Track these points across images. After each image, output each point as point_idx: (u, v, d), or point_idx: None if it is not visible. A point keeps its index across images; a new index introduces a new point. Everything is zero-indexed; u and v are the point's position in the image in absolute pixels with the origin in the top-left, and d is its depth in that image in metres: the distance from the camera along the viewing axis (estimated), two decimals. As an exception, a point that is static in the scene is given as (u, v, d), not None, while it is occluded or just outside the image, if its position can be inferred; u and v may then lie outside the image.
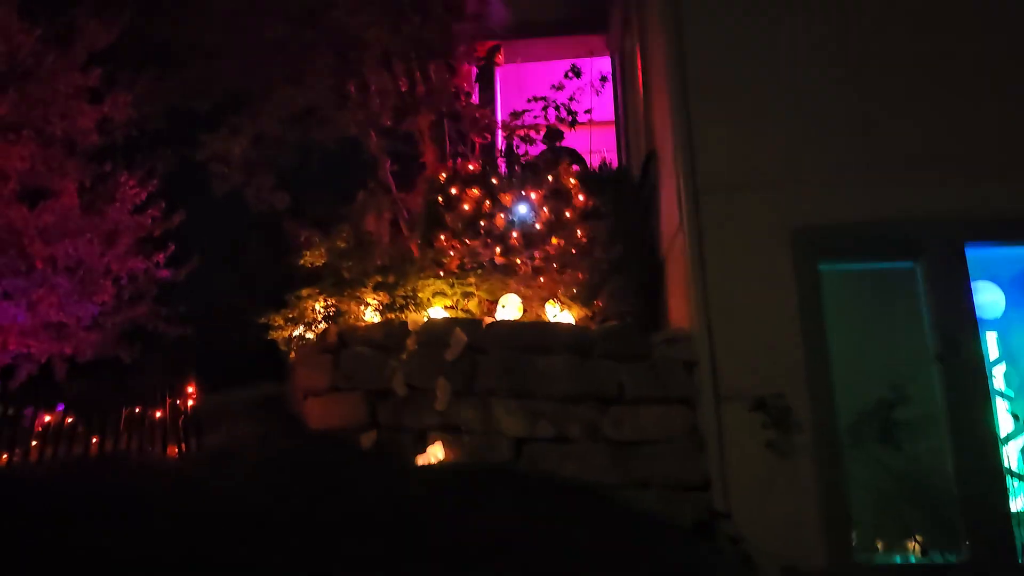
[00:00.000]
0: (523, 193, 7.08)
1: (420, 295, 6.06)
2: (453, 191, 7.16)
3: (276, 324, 7.13)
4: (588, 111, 9.58)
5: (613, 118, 10.76)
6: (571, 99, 9.46)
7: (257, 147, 9.21)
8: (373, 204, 9.34)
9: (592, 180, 7.20)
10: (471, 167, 7.50)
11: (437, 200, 7.24)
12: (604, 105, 10.53)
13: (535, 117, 9.59)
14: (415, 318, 6.03)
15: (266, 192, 10.31)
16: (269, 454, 5.66)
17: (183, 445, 5.87)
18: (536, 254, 6.86)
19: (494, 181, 7.19)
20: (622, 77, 9.69)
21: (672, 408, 5.57)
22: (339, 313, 6.33)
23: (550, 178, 7.14)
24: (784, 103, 5.86)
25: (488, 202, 7.08)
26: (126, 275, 13.95)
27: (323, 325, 6.98)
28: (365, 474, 5.31)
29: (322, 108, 8.90)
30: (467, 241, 6.96)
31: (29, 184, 12.28)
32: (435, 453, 5.42)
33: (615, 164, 9.77)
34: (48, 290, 13.27)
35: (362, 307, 6.28)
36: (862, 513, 5.28)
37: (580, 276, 6.37)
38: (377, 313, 6.22)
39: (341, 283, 6.32)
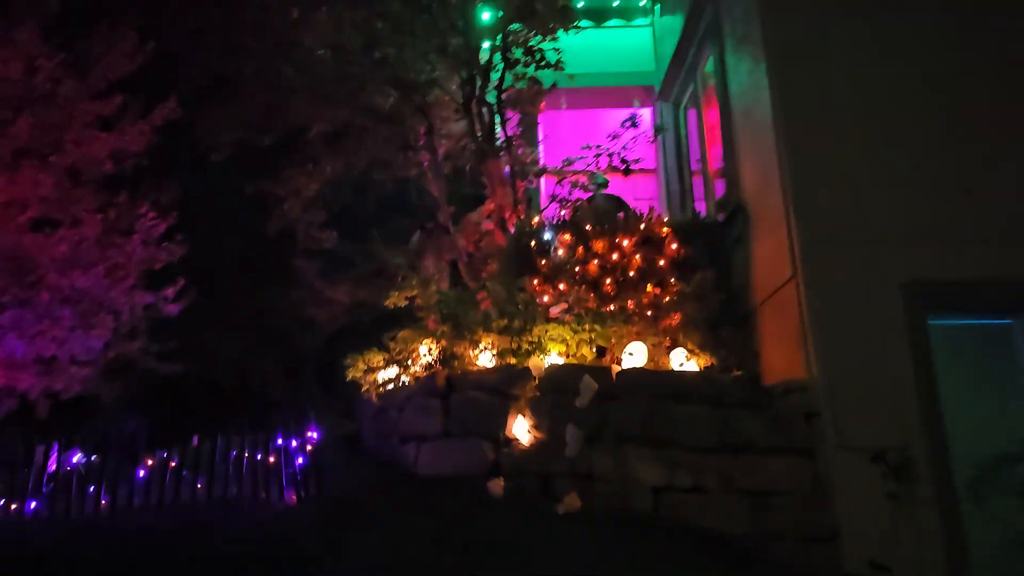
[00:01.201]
0: (614, 240, 7.16)
1: (544, 341, 6.01)
2: (547, 236, 7.19)
3: (365, 365, 6.99)
4: (638, 160, 9.80)
5: (654, 167, 10.97)
6: (624, 148, 9.66)
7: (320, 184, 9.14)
8: (432, 245, 9.31)
9: (681, 229, 7.31)
10: (563, 213, 7.55)
11: (526, 244, 7.25)
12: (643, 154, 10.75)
13: (588, 164, 9.76)
14: (537, 363, 5.99)
15: (315, 229, 10.19)
16: (394, 503, 5.49)
17: (301, 491, 5.65)
18: (630, 302, 6.92)
19: (587, 228, 7.24)
20: (676, 127, 9.92)
21: (795, 459, 5.65)
22: (451, 356, 6.23)
23: (642, 226, 7.24)
24: (895, 161, 6.12)
25: (581, 248, 7.14)
26: (129, 310, 13.50)
27: (416, 368, 6.87)
28: (504, 523, 5.20)
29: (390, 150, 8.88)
30: (561, 287, 6.99)
31: (42, 213, 11.84)
32: (571, 502, 5.36)
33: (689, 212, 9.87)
34: (51, 323, 12.73)
35: (476, 351, 6.20)
36: (985, 567, 5.42)
37: (695, 324, 6.42)
38: (493, 358, 6.15)
39: (458, 326, 6.23)
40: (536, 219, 7.37)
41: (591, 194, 9.35)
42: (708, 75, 8.53)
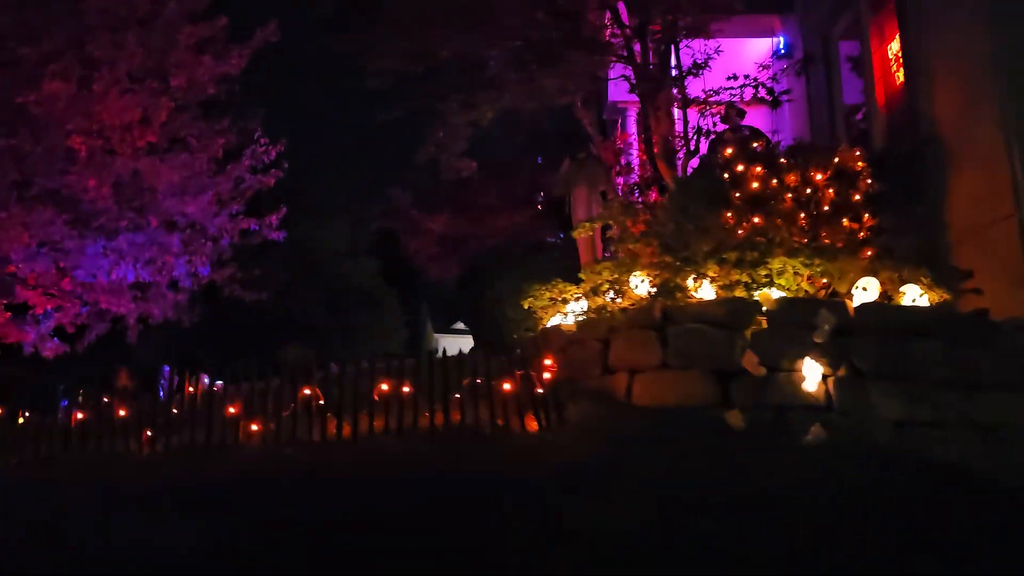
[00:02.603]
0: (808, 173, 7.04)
1: (776, 275, 5.97)
2: (739, 168, 7.07)
3: (550, 297, 6.97)
4: (787, 91, 9.58)
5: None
6: (774, 79, 9.44)
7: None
8: (584, 175, 9.18)
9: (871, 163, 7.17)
10: (755, 145, 7.42)
11: (717, 176, 7.13)
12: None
13: (732, 95, 9.55)
14: (766, 296, 5.96)
15: (455, 158, 10.05)
16: (631, 430, 5.54)
17: (543, 419, 5.68)
18: (824, 236, 6.84)
19: (782, 161, 7.12)
20: (825, 58, 9.65)
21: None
22: (671, 287, 6.20)
23: (836, 159, 7.11)
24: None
25: (774, 181, 7.02)
26: (230, 236, 13.50)
27: (605, 299, 6.86)
28: (748, 452, 5.25)
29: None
30: (755, 220, 6.90)
31: (157, 138, 11.69)
32: (816, 432, 5.39)
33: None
34: (160, 249, 12.75)
35: (696, 283, 6.16)
36: None
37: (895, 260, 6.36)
38: (714, 289, 6.12)
39: (685, 258, 6.18)
40: (729, 151, 7.20)
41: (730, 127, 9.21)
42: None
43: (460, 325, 42.13)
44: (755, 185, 7.01)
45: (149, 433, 5.87)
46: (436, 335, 39.45)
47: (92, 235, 11.66)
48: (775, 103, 9.30)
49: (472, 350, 9.47)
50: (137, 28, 11.02)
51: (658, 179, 8.99)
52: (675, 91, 8.33)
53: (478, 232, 13.49)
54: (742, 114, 9.62)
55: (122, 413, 5.99)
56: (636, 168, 9.55)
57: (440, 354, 6.24)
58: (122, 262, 11.79)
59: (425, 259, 15.20)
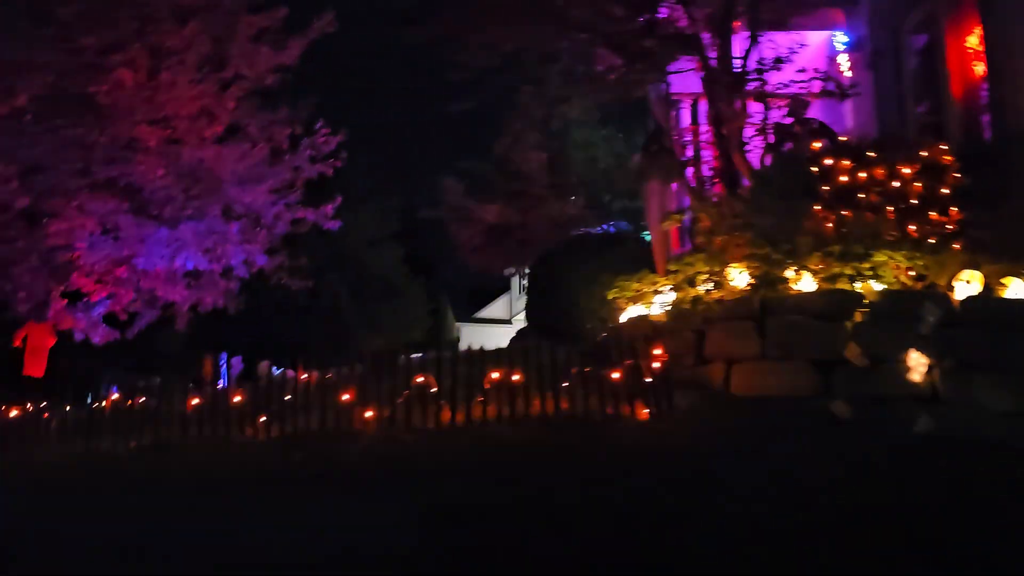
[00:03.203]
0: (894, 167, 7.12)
1: (879, 268, 6.07)
2: (828, 161, 7.15)
3: (639, 288, 7.08)
4: (854, 85, 9.62)
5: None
6: (843, 71, 9.48)
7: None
8: (656, 167, 9.26)
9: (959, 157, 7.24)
10: (843, 139, 7.51)
11: (804, 170, 7.22)
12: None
13: (800, 88, 9.59)
14: (869, 288, 6.06)
15: (527, 150, 10.15)
16: (742, 419, 5.65)
17: (653, 407, 5.80)
18: (911, 230, 6.93)
19: (870, 154, 7.20)
20: (895, 52, 9.68)
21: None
22: (770, 279, 6.30)
23: (924, 153, 7.19)
24: None
25: (862, 174, 7.11)
26: (285, 224, 13.65)
27: (698, 290, 6.96)
28: (854, 441, 5.35)
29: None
30: (844, 213, 7.00)
31: (223, 128, 11.80)
32: (925, 424, 5.50)
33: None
34: (220, 238, 12.90)
35: (796, 275, 6.26)
36: None
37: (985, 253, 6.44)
38: (815, 282, 6.22)
39: (788, 251, 6.27)
40: (818, 144, 7.28)
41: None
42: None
43: (483, 314, 42.28)
44: (844, 178, 7.10)
45: (263, 419, 6.00)
46: (457, 323, 39.62)
47: (155, 224, 11.82)
48: (843, 96, 9.35)
49: (532, 340, 9.60)
50: (201, 17, 11.15)
51: (728, 172, 9.05)
52: (753, 85, 8.39)
53: (528, 221, 13.62)
54: (805, 106, 9.70)
55: (236, 399, 6.12)
56: (703, 161, 9.61)
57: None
58: (184, 250, 11.95)
59: (470, 250, 15.34)
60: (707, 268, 6.78)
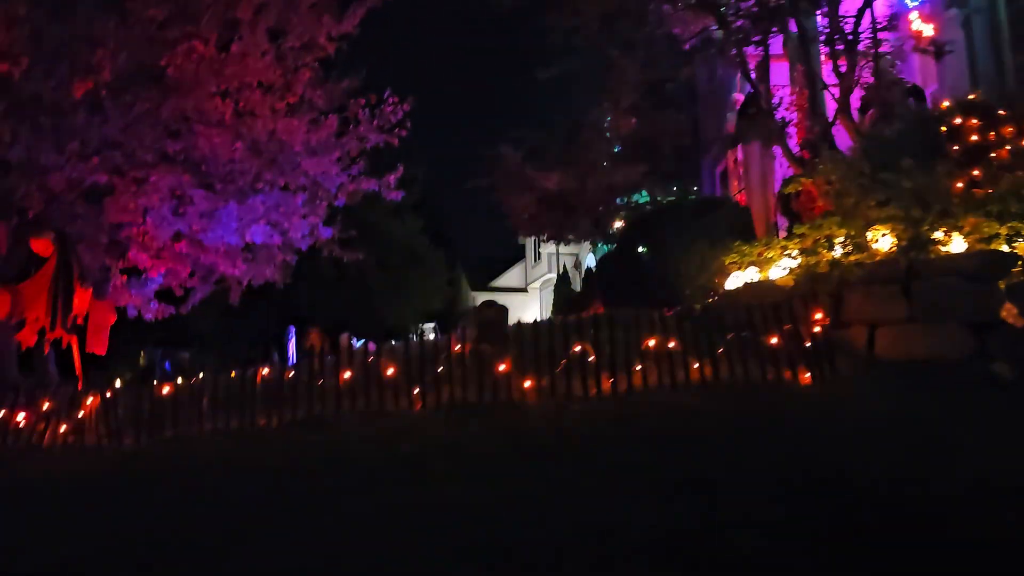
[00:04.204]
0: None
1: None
2: (957, 120, 7.09)
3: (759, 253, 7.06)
4: (948, 42, 9.51)
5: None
6: (927, 32, 9.36)
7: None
8: (756, 130, 9.17)
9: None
10: (971, 96, 7.43)
11: (932, 129, 7.15)
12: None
13: (892, 46, 9.49)
14: (1024, 249, 6.04)
15: (624, 114, 10.02)
16: (906, 383, 5.65)
17: (816, 371, 5.80)
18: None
19: (1000, 112, 7.13)
20: (992, 6, 9.54)
21: None
22: (920, 241, 6.26)
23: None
24: None
25: (992, 133, 7.05)
26: (347, 196, 13.52)
27: (830, 254, 6.93)
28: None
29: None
30: (974, 173, 6.95)
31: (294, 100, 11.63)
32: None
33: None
34: (287, 211, 12.77)
35: (947, 236, 6.22)
36: None
37: None
38: (967, 243, 6.18)
39: (942, 211, 6.22)
40: (945, 103, 7.21)
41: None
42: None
43: (498, 283, 42.25)
44: (975, 137, 7.04)
45: (417, 390, 5.97)
46: (472, 292, 39.64)
47: (224, 198, 11.68)
48: (939, 54, 9.24)
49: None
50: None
51: (825, 133, 8.98)
52: (864, 45, 8.28)
53: (586, 187, 13.52)
54: (893, 66, 9.61)
55: (390, 372, 6.08)
56: (795, 123, 9.52)
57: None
58: (254, 224, 11.82)
59: (525, 219, 15.24)
60: (842, 231, 6.72)
